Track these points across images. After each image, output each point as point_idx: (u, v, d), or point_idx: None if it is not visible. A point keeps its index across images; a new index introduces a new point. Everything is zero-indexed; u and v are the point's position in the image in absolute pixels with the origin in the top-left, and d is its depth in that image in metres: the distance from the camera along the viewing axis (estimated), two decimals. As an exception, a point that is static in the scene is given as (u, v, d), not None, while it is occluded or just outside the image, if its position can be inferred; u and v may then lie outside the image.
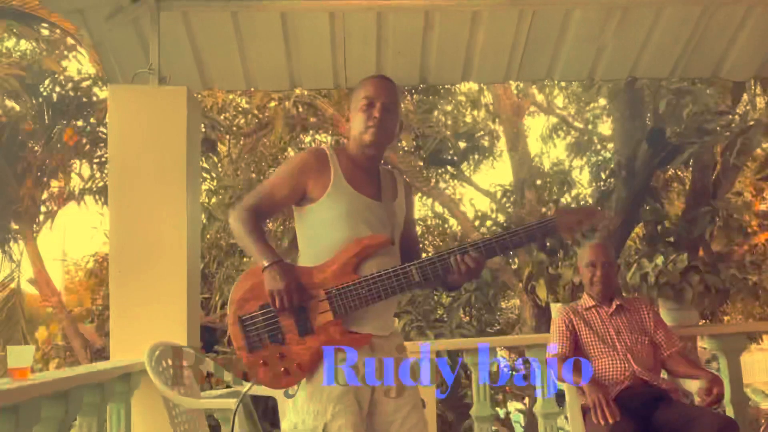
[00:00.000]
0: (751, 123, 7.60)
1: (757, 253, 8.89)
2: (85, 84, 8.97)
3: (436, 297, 8.84)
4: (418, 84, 4.35)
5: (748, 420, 4.10)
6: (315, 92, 8.65)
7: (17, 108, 9.03)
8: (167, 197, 3.15)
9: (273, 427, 4.68)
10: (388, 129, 2.00)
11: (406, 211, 2.10)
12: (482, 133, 9.97)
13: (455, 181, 10.56)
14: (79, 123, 8.97)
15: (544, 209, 8.72)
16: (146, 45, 3.34)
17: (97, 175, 9.18)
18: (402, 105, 8.69)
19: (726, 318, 10.23)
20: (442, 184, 10.29)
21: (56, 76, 8.97)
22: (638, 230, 8.43)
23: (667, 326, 3.04)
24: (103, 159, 8.82)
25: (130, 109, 3.22)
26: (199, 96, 6.32)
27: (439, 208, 10.45)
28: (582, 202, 9.11)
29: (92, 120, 8.96)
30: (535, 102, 10.49)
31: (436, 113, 9.62)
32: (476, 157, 9.91)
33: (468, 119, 10.22)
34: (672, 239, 7.31)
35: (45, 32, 9.14)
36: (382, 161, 2.13)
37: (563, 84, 9.37)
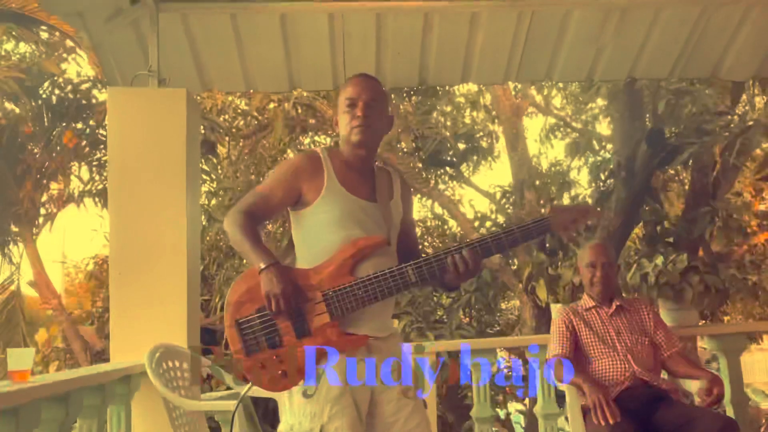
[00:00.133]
0: (751, 123, 7.60)
1: (757, 253, 8.89)
2: (84, 86, 8.98)
3: (436, 298, 8.83)
4: (417, 85, 4.35)
5: (748, 420, 4.10)
6: (314, 94, 8.64)
7: (17, 110, 9.03)
8: (167, 199, 3.14)
9: (273, 429, 4.67)
10: (374, 127, 1.99)
11: (404, 210, 2.08)
12: (481, 134, 9.97)
13: (455, 182, 10.55)
14: (79, 125, 8.98)
15: (543, 210, 8.71)
16: (145, 47, 3.34)
17: (97, 177, 9.19)
18: (401, 106, 8.71)
19: (726, 318, 10.24)
20: (441, 185, 10.27)
21: (56, 78, 8.97)
22: (638, 231, 8.42)
23: (667, 327, 3.04)
24: (103, 161, 8.83)
25: (129, 112, 3.21)
26: (199, 98, 6.32)
27: (438, 209, 10.46)
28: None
29: (92, 122, 8.96)
30: (533, 103, 10.48)
31: (435, 114, 9.60)
32: (475, 158, 9.89)
33: (467, 120, 10.20)
34: (672, 240, 7.31)
35: (44, 35, 9.16)
36: (382, 162, 2.13)
37: (561, 85, 9.37)
